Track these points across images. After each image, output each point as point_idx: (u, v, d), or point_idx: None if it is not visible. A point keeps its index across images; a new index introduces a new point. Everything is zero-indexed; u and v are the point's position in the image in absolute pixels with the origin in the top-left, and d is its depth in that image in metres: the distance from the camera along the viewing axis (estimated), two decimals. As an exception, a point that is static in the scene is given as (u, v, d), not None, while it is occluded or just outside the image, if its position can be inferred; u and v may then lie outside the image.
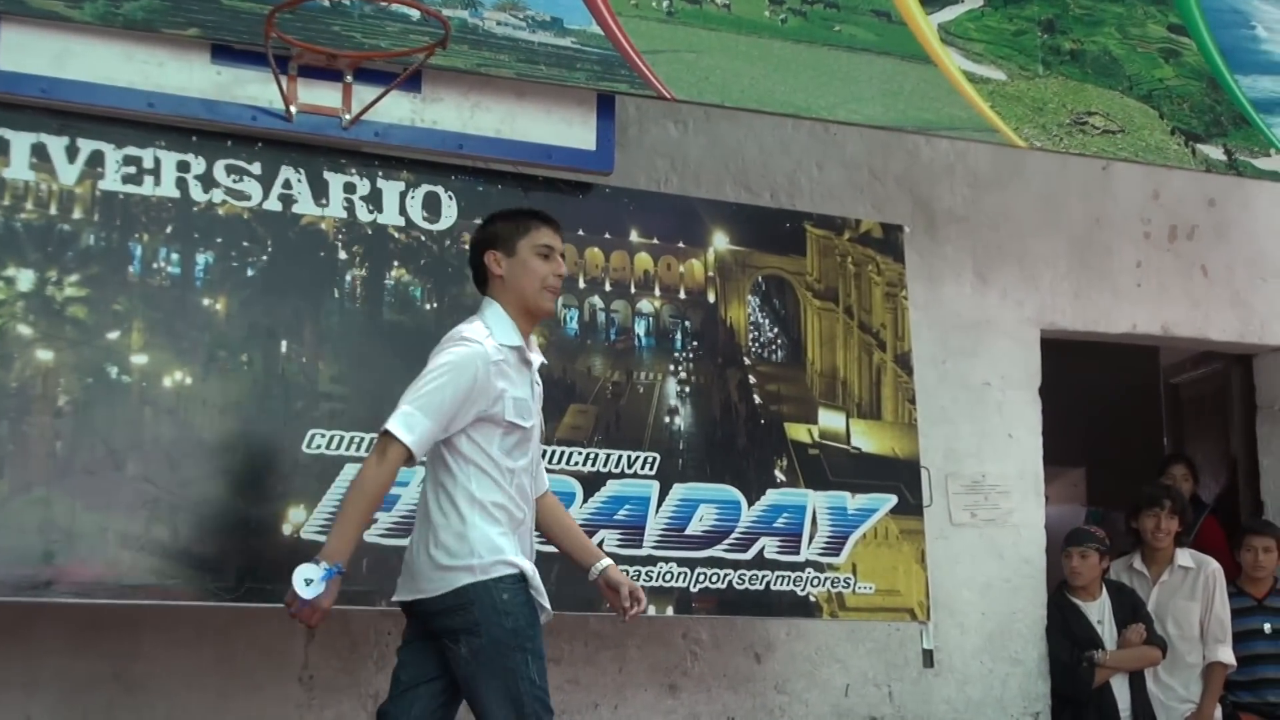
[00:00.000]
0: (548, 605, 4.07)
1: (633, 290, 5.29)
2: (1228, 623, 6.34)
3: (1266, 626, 6.52)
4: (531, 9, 5.04)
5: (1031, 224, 6.68)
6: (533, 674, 3.91)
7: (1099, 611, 6.20)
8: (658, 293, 5.33)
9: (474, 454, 3.96)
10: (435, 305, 4.94)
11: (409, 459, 3.85)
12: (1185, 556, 6.43)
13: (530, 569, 4.00)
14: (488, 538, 3.92)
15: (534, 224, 4.13)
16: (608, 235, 5.26)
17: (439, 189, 5.01)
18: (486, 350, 3.94)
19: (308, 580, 3.77)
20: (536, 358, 4.16)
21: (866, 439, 5.61)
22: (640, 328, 5.29)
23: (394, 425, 3.82)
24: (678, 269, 5.33)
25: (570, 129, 5.10)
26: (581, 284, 5.20)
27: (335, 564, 3.80)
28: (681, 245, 5.39)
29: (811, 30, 5.51)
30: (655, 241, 5.35)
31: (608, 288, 5.25)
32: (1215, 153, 6.09)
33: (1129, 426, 8.73)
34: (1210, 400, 8.07)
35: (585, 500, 5.05)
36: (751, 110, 5.49)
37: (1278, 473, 7.31)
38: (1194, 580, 6.37)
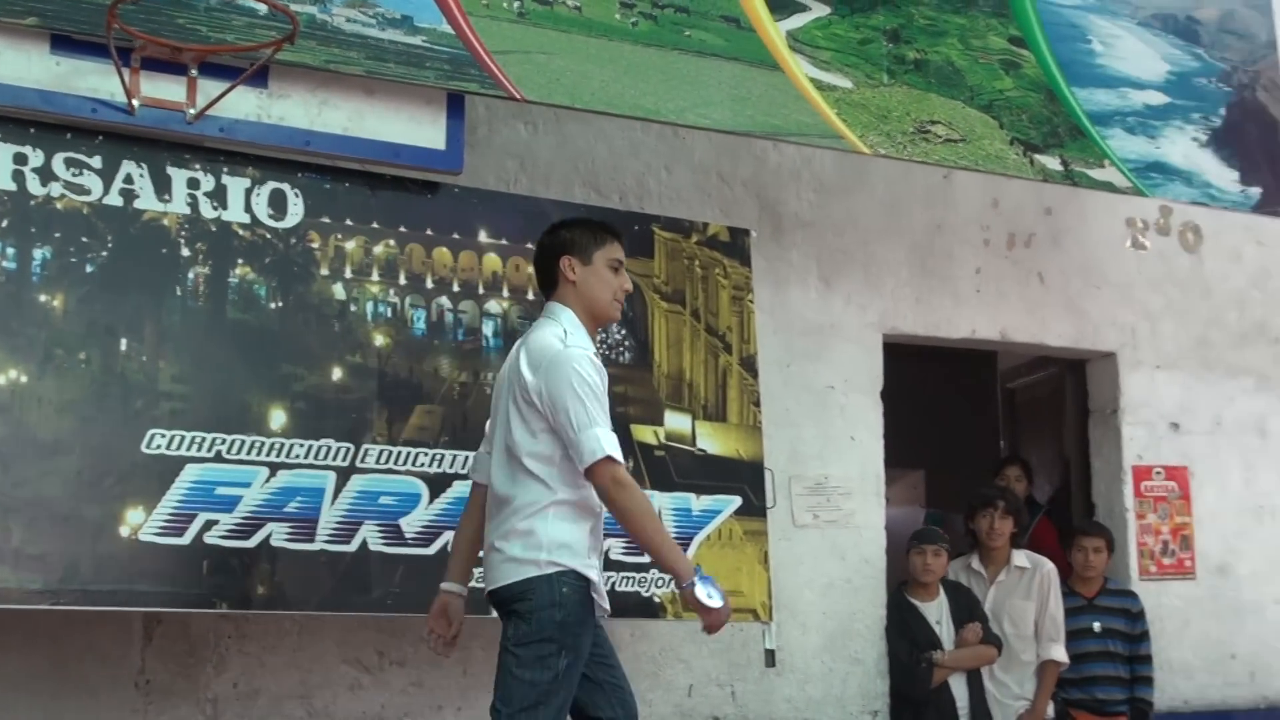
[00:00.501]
0: (607, 606, 4.24)
1: (481, 291, 5.31)
2: (1061, 622, 6.53)
3: (1096, 625, 6.74)
4: (381, 6, 5.04)
5: (875, 230, 6.83)
6: (560, 668, 4.01)
7: (937, 611, 6.35)
8: (506, 294, 5.35)
9: (555, 453, 4.08)
10: (280, 304, 4.92)
11: (618, 470, 4.00)
12: (1021, 557, 6.61)
13: (595, 571, 4.14)
14: (557, 535, 4.07)
15: (608, 237, 4.34)
16: (456, 235, 5.28)
17: (285, 186, 4.99)
18: (589, 355, 4.13)
19: (709, 594, 3.97)
20: None
21: (712, 441, 5.70)
22: (488, 328, 5.31)
23: (607, 449, 3.97)
24: (526, 270, 5.35)
25: (419, 128, 5.12)
26: (429, 284, 5.20)
27: (697, 570, 4.02)
28: (530, 246, 5.37)
29: (661, 34, 5.57)
30: (504, 242, 5.37)
31: (456, 288, 5.26)
32: (1052, 163, 6.28)
33: (967, 429, 8.95)
34: (1045, 404, 8.31)
35: (431, 501, 5.06)
36: (601, 113, 5.54)
37: (1108, 475, 7.57)
38: (1029, 580, 6.55)
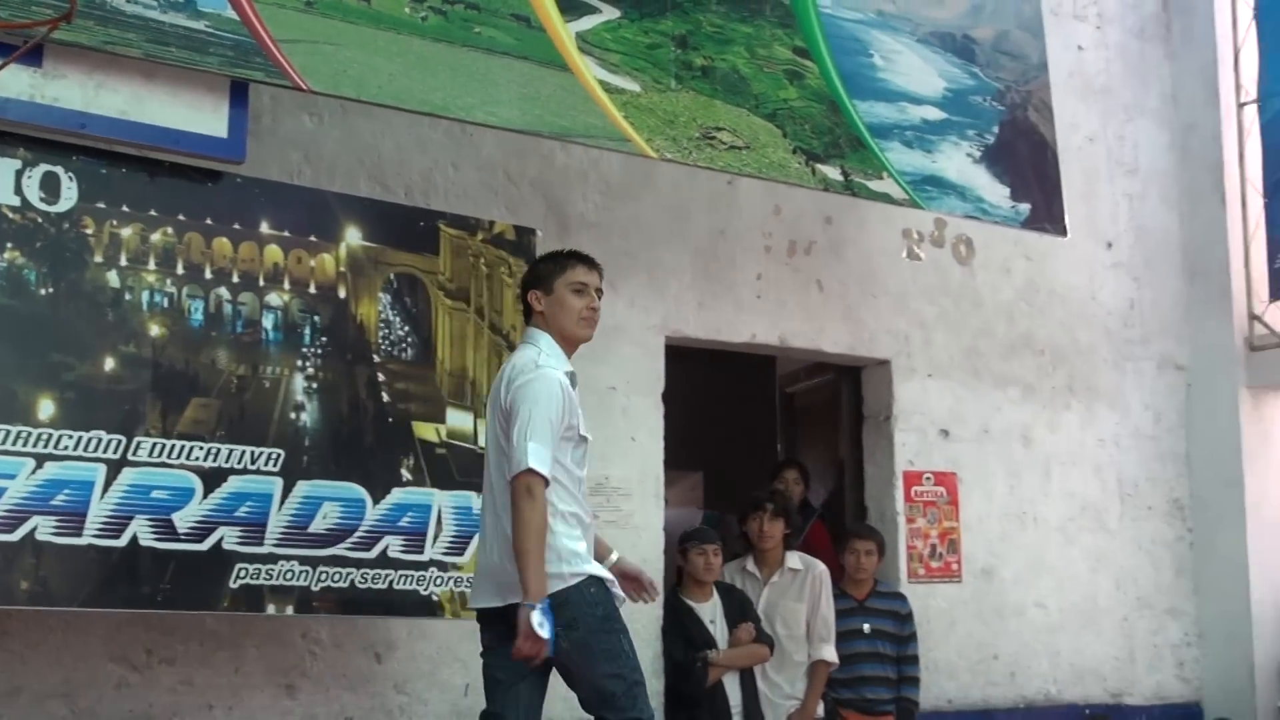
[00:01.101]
0: (621, 594, 4.70)
1: (261, 283, 5.25)
2: (832, 623, 6.71)
3: (866, 626, 6.94)
4: (164, -11, 4.96)
5: (660, 234, 6.95)
6: (626, 648, 4.57)
7: (711, 611, 6.48)
8: (287, 286, 5.31)
9: (553, 469, 4.47)
10: (51, 291, 4.81)
11: (546, 485, 4.42)
12: (795, 559, 6.77)
13: (602, 570, 4.61)
14: (569, 545, 4.52)
15: (569, 263, 4.82)
16: (237, 225, 5.22)
17: (59, 169, 4.88)
18: (558, 373, 4.60)
19: (541, 624, 4.25)
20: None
21: (494, 439, 5.71)
22: (268, 321, 5.26)
23: (532, 463, 4.39)
24: (308, 263, 5.33)
25: (201, 114, 5.05)
26: (208, 274, 5.14)
27: (544, 600, 4.30)
28: (313, 239, 5.38)
29: (451, 30, 5.58)
30: (286, 234, 5.32)
31: (235, 279, 5.19)
32: (833, 173, 6.47)
33: (746, 432, 9.13)
34: (822, 409, 8.53)
35: (205, 496, 5.00)
36: (389, 106, 5.53)
37: (880, 479, 7.83)
38: (802, 582, 6.71)
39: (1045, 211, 7.40)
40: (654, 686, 6.53)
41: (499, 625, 4.54)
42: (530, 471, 4.38)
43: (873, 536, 7.11)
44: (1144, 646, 8.56)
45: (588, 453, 4.76)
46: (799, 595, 6.69)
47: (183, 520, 4.96)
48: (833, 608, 6.74)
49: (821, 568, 6.79)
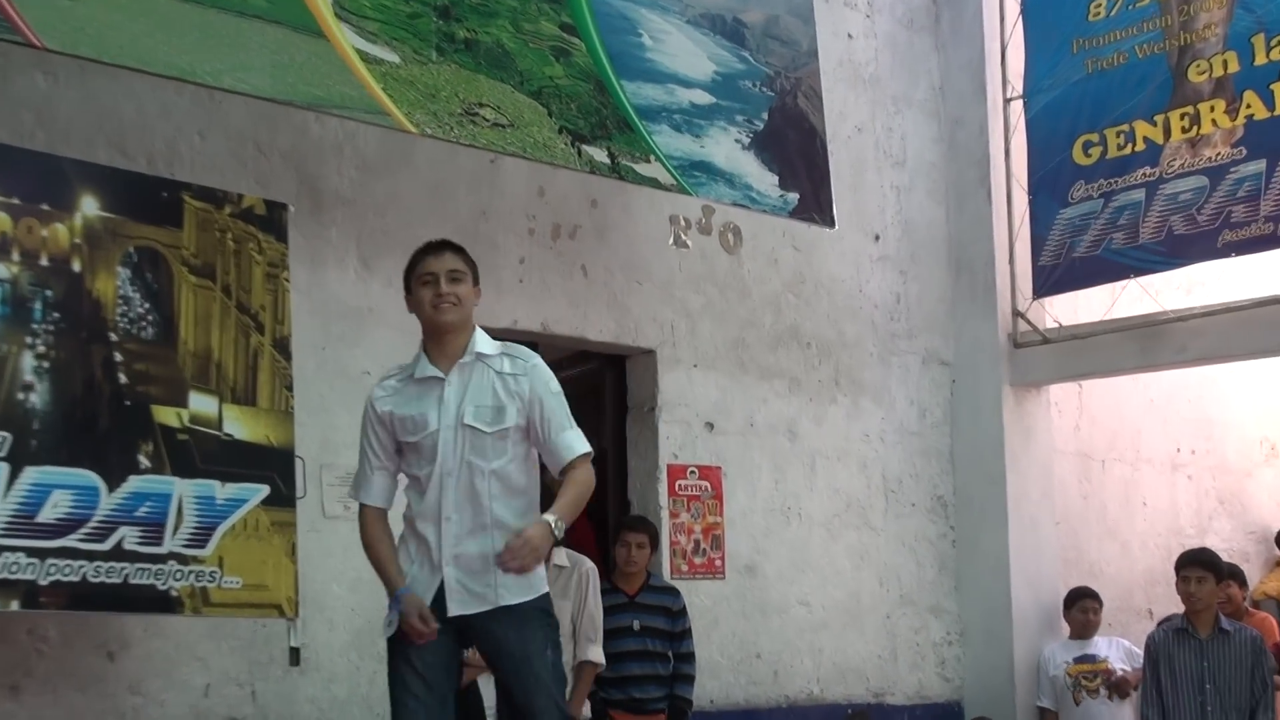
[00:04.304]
0: None
1: (-12, 253, 5.14)
2: (599, 621, 6.77)
3: (635, 623, 7.02)
4: (-117, -68, 4.82)
5: (419, 212, 6.98)
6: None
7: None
8: (16, 258, 5.18)
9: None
10: None
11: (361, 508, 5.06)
12: (561, 556, 6.80)
13: None
14: None
15: (420, 258, 5.04)
16: (-39, 191, 5.10)
17: None
18: (373, 395, 5.04)
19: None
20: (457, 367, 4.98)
21: (240, 425, 5.70)
22: (-5, 295, 5.15)
23: (350, 492, 5.18)
24: (40, 233, 5.22)
25: (-77, 70, 4.93)
26: (-71, 244, 5.00)
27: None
28: (45, 208, 5.27)
29: (201, -11, 5.53)
30: (16, 202, 5.20)
31: (-42, 249, 5.07)
32: (600, 155, 6.60)
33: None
34: (586, 399, 8.61)
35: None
36: (131, 68, 5.46)
37: (643, 472, 8.00)
38: (568, 579, 6.74)
39: (813, 201, 7.65)
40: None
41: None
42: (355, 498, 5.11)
43: (645, 528, 7.19)
44: (906, 645, 8.92)
45: (440, 448, 4.91)
46: (564, 593, 6.71)
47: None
48: (600, 606, 6.78)
49: (588, 564, 6.84)
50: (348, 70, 5.82)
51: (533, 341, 8.15)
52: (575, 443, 4.95)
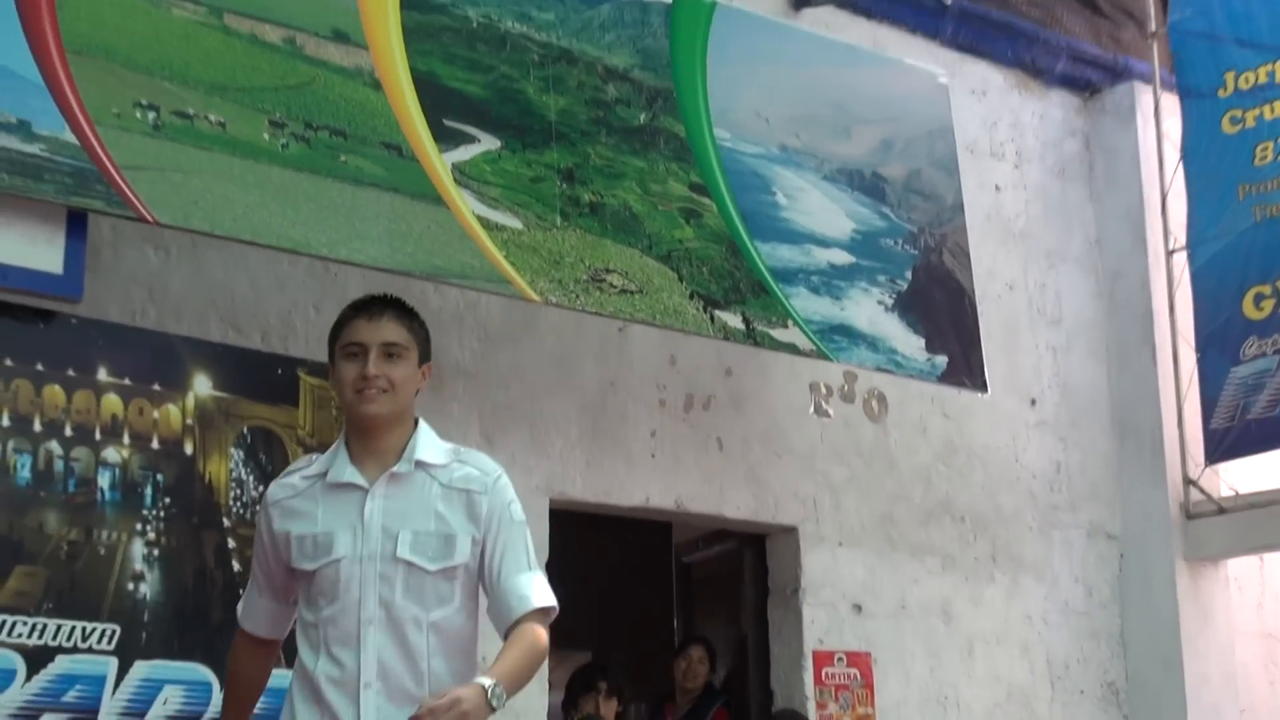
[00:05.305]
0: None
1: (98, 436, 5.22)
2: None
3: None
4: (-6, 108, 4.97)
5: (543, 384, 6.98)
6: None
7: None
8: (127, 440, 5.27)
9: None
10: None
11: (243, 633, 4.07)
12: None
13: None
14: None
15: (345, 321, 3.91)
16: (71, 372, 5.20)
17: None
18: (269, 493, 3.92)
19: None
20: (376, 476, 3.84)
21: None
22: (104, 480, 5.22)
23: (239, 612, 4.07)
24: (151, 414, 5.29)
25: (33, 247, 5.04)
26: (38, 427, 5.10)
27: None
28: (157, 388, 5.37)
29: (315, 159, 5.61)
30: (127, 382, 5.30)
31: (68, 432, 5.16)
32: (734, 320, 6.55)
33: (640, 607, 9.10)
34: (723, 581, 8.53)
35: (29, 679, 4.90)
36: (244, 241, 5.53)
37: (787, 660, 7.81)
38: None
39: (963, 365, 7.52)
40: None
41: None
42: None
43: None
44: None
45: (341, 584, 3.77)
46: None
47: (2, 708, 4.84)
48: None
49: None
50: (468, 238, 5.85)
51: (666, 521, 8.14)
52: (532, 591, 3.91)
